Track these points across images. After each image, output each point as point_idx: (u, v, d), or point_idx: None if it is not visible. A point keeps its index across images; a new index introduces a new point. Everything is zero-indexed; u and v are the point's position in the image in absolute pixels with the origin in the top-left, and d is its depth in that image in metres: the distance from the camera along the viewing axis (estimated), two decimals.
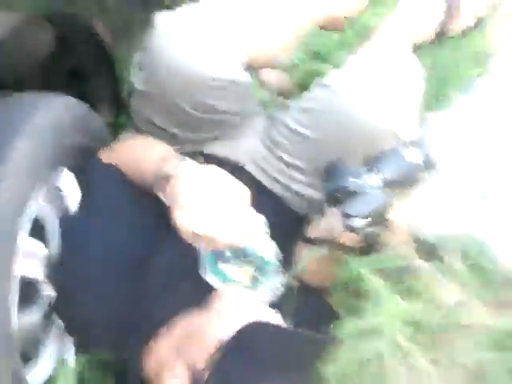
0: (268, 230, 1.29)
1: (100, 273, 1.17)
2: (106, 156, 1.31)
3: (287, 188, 1.37)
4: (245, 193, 1.12)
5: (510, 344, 1.10)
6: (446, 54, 1.55)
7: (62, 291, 1.15)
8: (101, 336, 1.14)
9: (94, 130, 1.36)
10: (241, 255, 1.26)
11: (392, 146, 1.23)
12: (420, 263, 1.22)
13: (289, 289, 1.27)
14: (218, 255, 1.24)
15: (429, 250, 1.25)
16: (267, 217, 1.28)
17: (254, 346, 1.02)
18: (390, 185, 1.19)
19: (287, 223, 1.34)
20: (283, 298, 1.26)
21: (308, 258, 1.30)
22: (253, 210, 1.13)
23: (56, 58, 1.46)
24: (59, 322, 1.19)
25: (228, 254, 1.25)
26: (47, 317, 1.18)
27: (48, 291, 1.16)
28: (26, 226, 1.10)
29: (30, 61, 1.42)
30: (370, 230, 1.18)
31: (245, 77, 1.36)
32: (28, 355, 1.14)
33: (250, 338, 1.02)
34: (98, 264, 1.17)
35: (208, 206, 1.07)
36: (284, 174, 1.37)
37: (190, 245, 1.13)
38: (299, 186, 1.36)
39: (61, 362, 1.18)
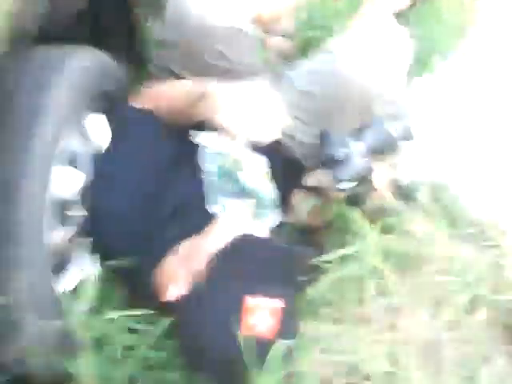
0: (268, 171, 1.48)
1: (123, 200, 1.36)
2: (134, 100, 1.50)
3: (291, 137, 1.56)
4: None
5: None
6: (429, 25, 1.74)
7: (92, 212, 1.35)
8: (122, 252, 1.34)
9: (118, 78, 1.51)
10: (243, 191, 1.45)
11: (376, 118, 1.41)
12: (397, 204, 1.42)
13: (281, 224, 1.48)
14: (222, 190, 1.43)
15: (406, 194, 1.46)
16: (272, 162, 1.48)
17: (239, 258, 1.23)
18: (372, 152, 1.38)
19: (288, 169, 1.54)
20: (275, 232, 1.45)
21: (303, 203, 1.51)
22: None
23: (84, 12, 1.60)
24: (85, 241, 1.39)
25: (231, 189, 1.44)
26: (76, 235, 1.37)
27: (79, 212, 1.36)
28: (61, 159, 1.29)
29: (68, 13, 1.55)
30: (355, 189, 1.39)
31: (251, 30, 1.58)
32: (58, 268, 1.32)
33: (236, 249, 1.24)
34: (122, 193, 1.37)
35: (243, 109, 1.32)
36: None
37: (199, 183, 1.36)
38: (302, 136, 1.55)
39: (85, 276, 1.36)
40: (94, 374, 1.21)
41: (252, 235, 1.32)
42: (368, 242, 1.34)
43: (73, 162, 1.35)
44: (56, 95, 1.25)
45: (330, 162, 1.39)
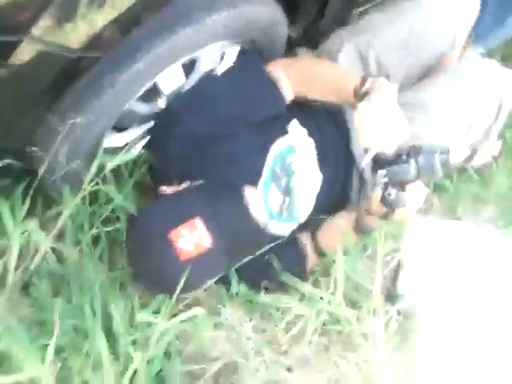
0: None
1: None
2: (273, 65, 1.64)
3: None
4: None
5: None
6: None
7: (170, 108, 1.53)
8: None
9: (277, 37, 1.63)
10: (288, 190, 1.58)
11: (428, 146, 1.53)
12: None
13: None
14: (276, 177, 1.56)
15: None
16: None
17: None
18: (418, 171, 1.51)
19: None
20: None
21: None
22: None
23: None
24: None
25: (284, 182, 1.57)
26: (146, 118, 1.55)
27: (161, 103, 1.53)
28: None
29: None
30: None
31: None
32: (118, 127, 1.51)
33: None
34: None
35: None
36: None
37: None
38: None
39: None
40: None
41: None
42: None
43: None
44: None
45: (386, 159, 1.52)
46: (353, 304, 1.61)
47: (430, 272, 1.74)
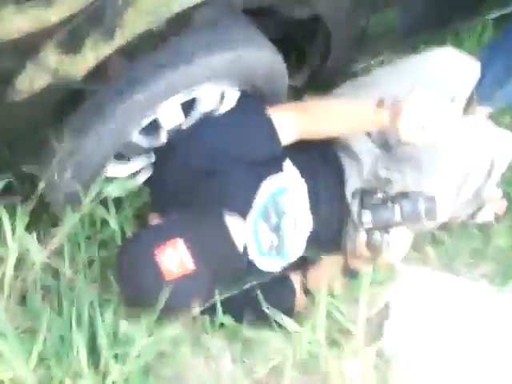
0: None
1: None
2: (276, 108, 1.71)
3: None
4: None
5: None
6: None
7: (169, 142, 1.64)
8: None
9: (277, 84, 1.72)
10: (278, 229, 1.66)
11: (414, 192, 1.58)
12: None
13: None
14: (266, 215, 1.65)
15: None
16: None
17: None
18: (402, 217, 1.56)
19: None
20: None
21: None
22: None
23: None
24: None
25: (274, 221, 1.66)
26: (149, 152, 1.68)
27: (162, 138, 1.64)
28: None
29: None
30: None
31: None
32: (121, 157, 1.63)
33: None
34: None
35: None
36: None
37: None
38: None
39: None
40: None
41: None
42: None
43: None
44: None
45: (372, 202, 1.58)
46: (335, 344, 1.66)
47: (417, 322, 1.77)
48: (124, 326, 1.42)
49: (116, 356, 1.44)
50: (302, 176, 1.73)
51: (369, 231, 1.57)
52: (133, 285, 1.43)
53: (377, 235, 1.56)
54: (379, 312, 1.78)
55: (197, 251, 1.39)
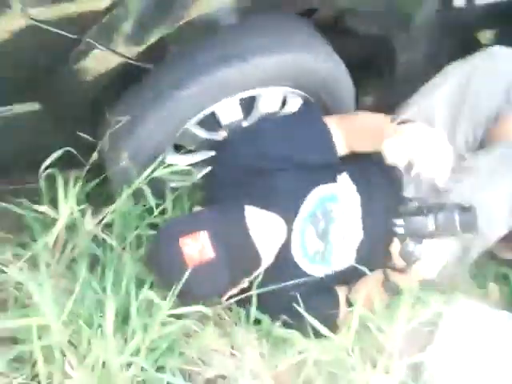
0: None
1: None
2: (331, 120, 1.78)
3: None
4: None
5: None
6: None
7: (227, 138, 1.75)
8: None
9: (340, 95, 1.79)
10: (326, 236, 1.69)
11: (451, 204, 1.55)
12: None
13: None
14: (315, 220, 1.68)
15: None
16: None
17: None
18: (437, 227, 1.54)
19: None
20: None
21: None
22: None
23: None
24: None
25: (322, 227, 1.69)
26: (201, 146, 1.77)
27: (221, 133, 1.74)
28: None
29: None
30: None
31: None
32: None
33: None
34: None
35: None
36: None
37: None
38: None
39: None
40: None
41: None
42: None
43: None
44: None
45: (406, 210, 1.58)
46: (368, 358, 1.63)
47: (462, 357, 1.70)
48: (152, 295, 1.49)
49: (144, 327, 1.51)
50: (358, 190, 1.74)
51: (401, 239, 1.56)
52: (157, 268, 1.55)
53: (410, 244, 1.54)
54: (423, 335, 1.74)
55: (217, 241, 1.46)
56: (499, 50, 1.81)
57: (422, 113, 1.80)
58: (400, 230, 1.55)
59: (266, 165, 1.68)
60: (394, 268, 1.61)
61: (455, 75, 1.81)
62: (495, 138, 1.80)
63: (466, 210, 1.51)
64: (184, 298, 1.52)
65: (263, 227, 1.54)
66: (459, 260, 1.73)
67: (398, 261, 1.58)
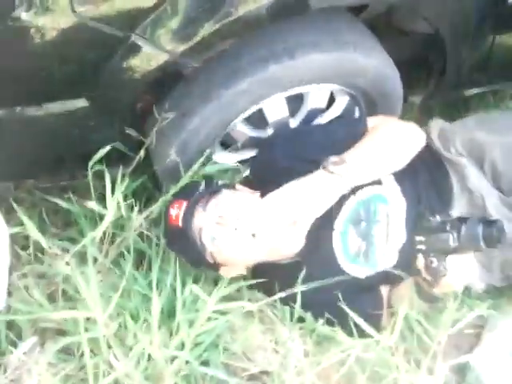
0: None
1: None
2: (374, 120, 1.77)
3: None
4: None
5: None
6: None
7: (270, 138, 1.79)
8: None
9: (388, 92, 1.78)
10: (368, 236, 1.69)
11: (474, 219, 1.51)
12: None
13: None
14: (356, 220, 1.69)
15: None
16: None
17: None
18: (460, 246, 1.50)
19: None
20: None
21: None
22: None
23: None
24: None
25: (363, 227, 1.69)
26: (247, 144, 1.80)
27: (267, 131, 1.78)
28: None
29: None
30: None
31: None
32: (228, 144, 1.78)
33: None
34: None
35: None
36: None
37: None
38: None
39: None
40: None
41: None
42: None
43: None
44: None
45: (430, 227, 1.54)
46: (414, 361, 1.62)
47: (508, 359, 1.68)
48: (196, 289, 1.51)
49: (190, 323, 1.52)
50: (404, 193, 1.72)
51: (425, 256, 1.53)
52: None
53: (433, 261, 1.52)
54: (468, 338, 1.72)
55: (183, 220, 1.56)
56: None
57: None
58: (421, 247, 1.53)
59: (301, 168, 1.66)
60: (424, 279, 1.59)
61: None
62: None
63: (490, 224, 1.47)
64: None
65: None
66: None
67: (425, 275, 1.56)
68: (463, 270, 1.57)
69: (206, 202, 1.57)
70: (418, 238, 1.53)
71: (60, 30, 1.34)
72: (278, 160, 1.70)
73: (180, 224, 1.56)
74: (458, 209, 1.76)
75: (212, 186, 1.62)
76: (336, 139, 1.71)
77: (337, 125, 1.79)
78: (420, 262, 1.55)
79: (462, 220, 1.50)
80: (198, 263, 1.66)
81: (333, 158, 1.60)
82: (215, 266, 1.64)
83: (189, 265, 1.68)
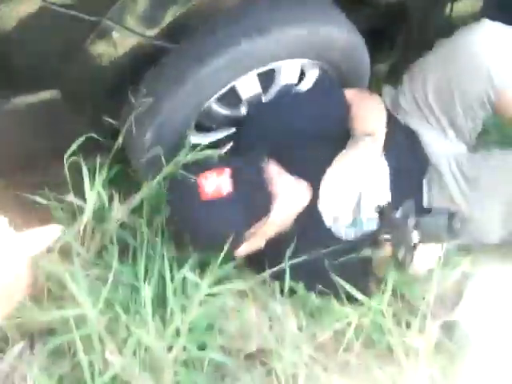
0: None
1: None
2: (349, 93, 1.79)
3: None
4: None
5: None
6: None
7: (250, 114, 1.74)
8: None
9: (356, 63, 1.77)
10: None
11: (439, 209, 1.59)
12: None
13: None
14: None
15: None
16: None
17: None
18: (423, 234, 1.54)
19: None
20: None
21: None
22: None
23: None
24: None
25: None
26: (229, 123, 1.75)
27: (242, 109, 1.74)
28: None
29: None
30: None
31: None
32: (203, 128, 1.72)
33: None
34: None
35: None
36: None
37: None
38: None
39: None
40: None
41: None
42: None
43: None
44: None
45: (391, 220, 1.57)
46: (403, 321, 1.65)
47: (493, 311, 1.72)
48: (189, 275, 1.49)
49: (183, 308, 1.50)
50: (387, 158, 1.74)
51: (392, 245, 1.56)
52: (173, 204, 1.58)
53: (399, 252, 1.54)
54: (452, 296, 1.76)
55: (238, 179, 1.50)
56: (482, 28, 1.77)
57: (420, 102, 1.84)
58: (386, 238, 1.56)
59: (291, 137, 1.67)
60: None
61: (442, 57, 1.81)
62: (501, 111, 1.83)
63: (451, 216, 1.50)
64: (195, 244, 1.58)
65: (285, 187, 1.58)
66: None
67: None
68: (429, 257, 1.63)
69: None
70: (384, 235, 1.56)
71: (25, 17, 1.28)
72: (268, 135, 1.68)
73: (230, 189, 1.48)
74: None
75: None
76: (318, 104, 1.74)
77: (315, 91, 1.79)
78: (387, 251, 1.58)
79: (423, 214, 1.55)
80: (236, 235, 1.53)
81: (365, 131, 1.66)
82: (240, 242, 1.58)
83: (193, 248, 1.62)
